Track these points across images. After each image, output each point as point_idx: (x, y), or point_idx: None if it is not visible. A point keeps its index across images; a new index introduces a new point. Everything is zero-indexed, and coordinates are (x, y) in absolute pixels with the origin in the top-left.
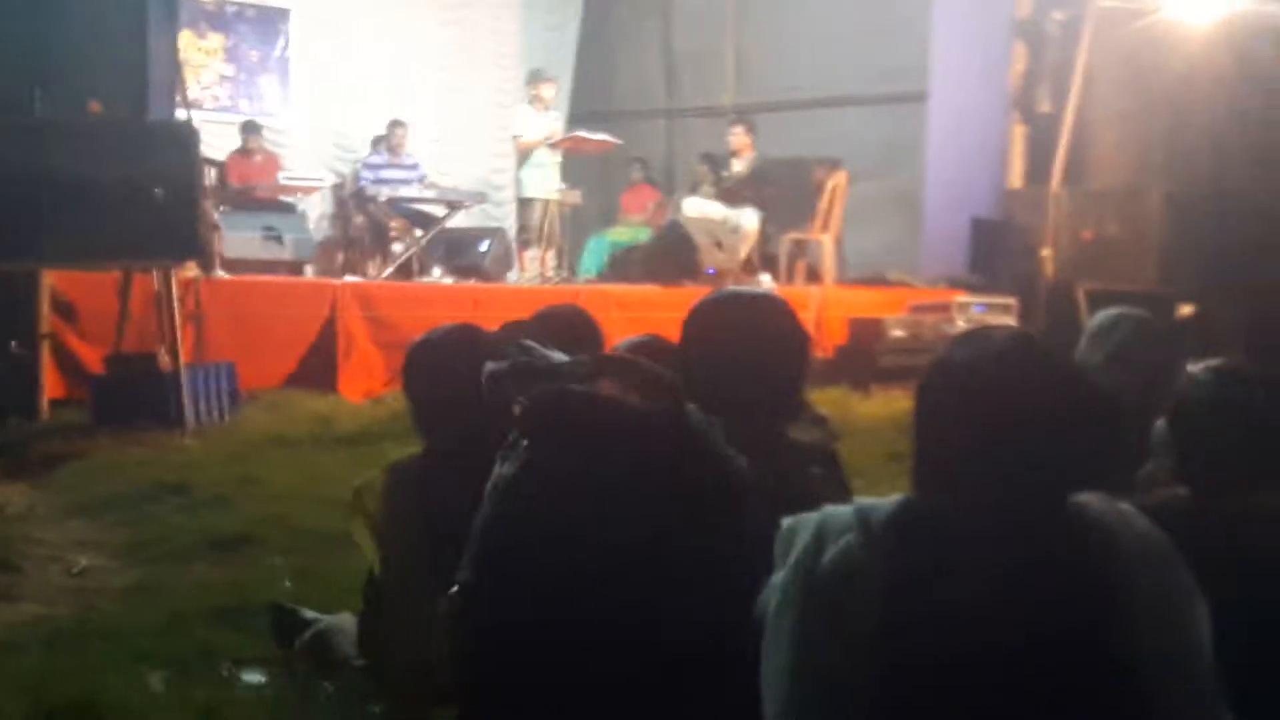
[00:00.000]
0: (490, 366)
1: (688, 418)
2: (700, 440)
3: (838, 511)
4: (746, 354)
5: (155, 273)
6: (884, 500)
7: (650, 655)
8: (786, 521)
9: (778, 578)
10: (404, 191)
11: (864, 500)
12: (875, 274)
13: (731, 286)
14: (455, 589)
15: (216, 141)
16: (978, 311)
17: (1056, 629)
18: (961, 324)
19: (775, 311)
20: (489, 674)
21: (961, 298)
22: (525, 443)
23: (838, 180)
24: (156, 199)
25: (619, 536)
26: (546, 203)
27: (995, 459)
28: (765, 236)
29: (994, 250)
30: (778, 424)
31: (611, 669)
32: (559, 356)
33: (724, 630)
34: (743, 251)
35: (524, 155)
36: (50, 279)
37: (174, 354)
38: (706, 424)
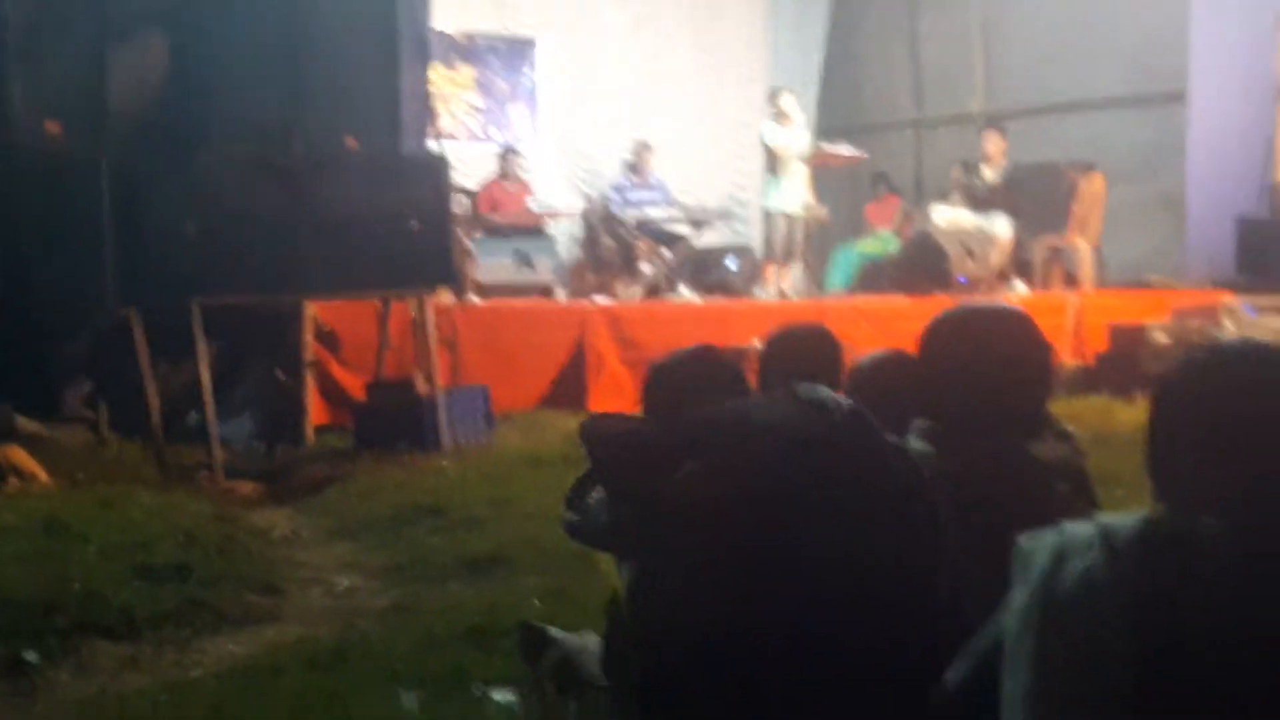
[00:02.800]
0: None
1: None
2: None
3: (1078, 530)
4: (986, 370)
5: (411, 300)
6: (1128, 517)
7: (828, 669)
8: (1024, 540)
9: (1016, 598)
10: (651, 212)
11: (1107, 517)
12: (1136, 278)
13: (969, 301)
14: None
15: (469, 170)
16: (1247, 313)
17: None
18: (1230, 326)
19: (1015, 325)
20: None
21: (1229, 300)
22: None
23: (1093, 184)
24: (411, 229)
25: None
26: (791, 218)
27: (1231, 468)
28: (1019, 243)
29: (1262, 249)
30: (1020, 441)
31: (791, 684)
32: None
33: (900, 635)
34: (995, 259)
35: (772, 165)
36: (313, 309)
37: (431, 379)
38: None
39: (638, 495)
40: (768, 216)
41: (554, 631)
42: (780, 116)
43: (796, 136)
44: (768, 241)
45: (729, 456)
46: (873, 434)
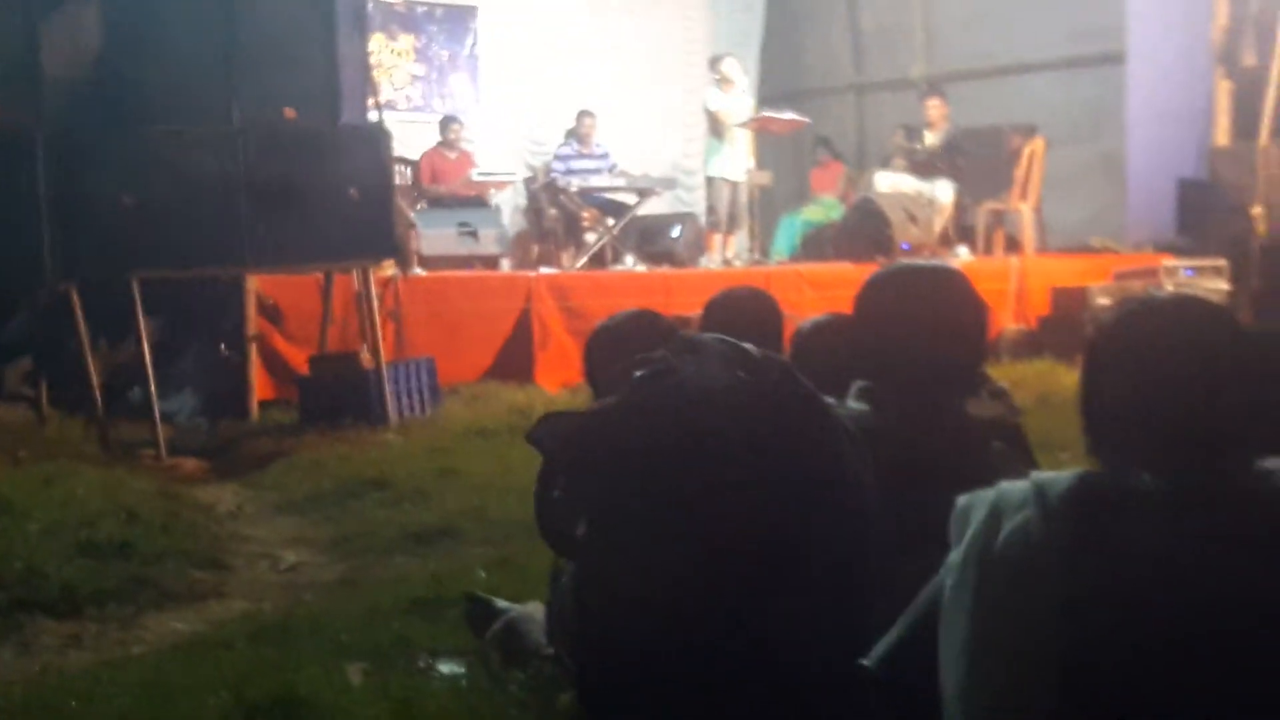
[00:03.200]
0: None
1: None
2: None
3: (1014, 487)
4: (920, 328)
5: (354, 273)
6: (1062, 474)
7: (758, 651)
8: (961, 499)
9: (953, 556)
10: (594, 181)
11: (1042, 474)
12: (1078, 242)
13: (904, 260)
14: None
15: (411, 141)
16: (1187, 275)
17: (1243, 601)
18: (1170, 289)
19: (950, 283)
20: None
21: (1169, 261)
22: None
23: (1034, 147)
24: (352, 201)
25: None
26: (734, 185)
27: (1163, 422)
28: (961, 208)
29: (1202, 211)
30: (955, 400)
31: (718, 665)
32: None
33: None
34: (938, 225)
35: (715, 131)
36: (255, 283)
37: (375, 352)
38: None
39: (590, 484)
40: (710, 183)
41: (499, 602)
42: (723, 82)
43: (738, 102)
44: (711, 208)
45: (665, 437)
46: (806, 398)
